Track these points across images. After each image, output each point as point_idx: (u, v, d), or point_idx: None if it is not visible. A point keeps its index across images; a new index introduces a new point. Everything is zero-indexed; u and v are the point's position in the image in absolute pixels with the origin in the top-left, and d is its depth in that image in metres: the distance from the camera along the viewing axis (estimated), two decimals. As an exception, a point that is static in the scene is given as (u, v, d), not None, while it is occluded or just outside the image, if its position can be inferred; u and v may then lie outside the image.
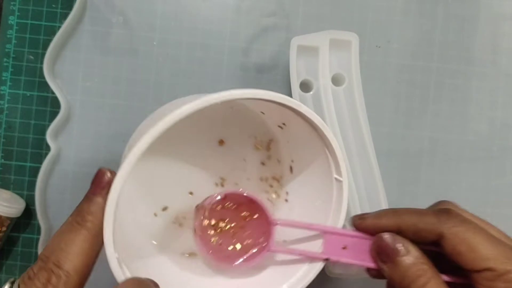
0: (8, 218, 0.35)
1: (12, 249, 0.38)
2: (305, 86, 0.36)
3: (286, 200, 0.33)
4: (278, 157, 0.33)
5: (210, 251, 0.28)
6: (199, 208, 0.28)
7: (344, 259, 0.26)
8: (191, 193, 0.32)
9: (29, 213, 0.38)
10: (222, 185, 0.33)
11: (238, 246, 0.28)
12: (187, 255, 0.31)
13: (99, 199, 0.22)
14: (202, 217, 0.28)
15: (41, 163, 0.36)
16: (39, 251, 0.35)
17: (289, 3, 0.37)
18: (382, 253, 0.24)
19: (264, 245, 0.28)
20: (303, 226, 0.27)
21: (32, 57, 0.38)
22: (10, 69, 0.37)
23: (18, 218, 0.37)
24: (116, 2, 0.37)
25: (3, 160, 0.38)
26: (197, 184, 0.33)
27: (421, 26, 0.38)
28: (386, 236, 0.24)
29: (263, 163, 0.33)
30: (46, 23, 0.38)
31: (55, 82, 0.37)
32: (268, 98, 0.24)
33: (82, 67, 0.37)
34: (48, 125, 0.36)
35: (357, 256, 0.26)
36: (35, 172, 0.37)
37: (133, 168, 0.22)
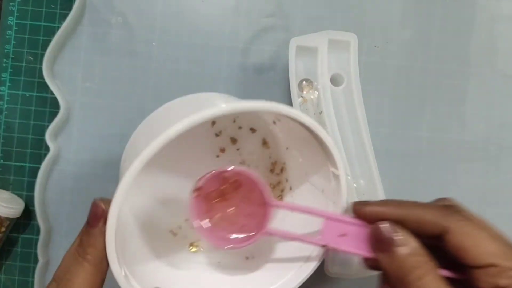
0: (7, 218, 0.35)
1: (12, 250, 0.38)
2: (304, 87, 0.36)
3: (291, 195, 0.32)
4: (276, 152, 0.33)
5: (206, 233, 0.26)
6: (196, 187, 0.26)
7: (342, 247, 0.24)
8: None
9: (28, 213, 0.38)
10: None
11: (235, 228, 0.26)
12: (192, 249, 0.31)
13: (96, 231, 0.23)
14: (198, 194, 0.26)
15: (40, 163, 0.36)
16: (39, 251, 0.35)
17: (288, 4, 0.38)
18: (379, 242, 0.23)
19: (260, 227, 0.26)
20: (302, 209, 0.26)
21: (31, 58, 0.38)
22: (9, 70, 0.37)
23: (18, 218, 0.37)
24: (115, 3, 0.37)
25: (2, 160, 0.38)
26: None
27: (418, 27, 0.38)
28: (386, 224, 0.23)
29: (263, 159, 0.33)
30: (45, 24, 0.38)
31: (55, 83, 0.37)
32: (265, 109, 0.23)
33: (81, 68, 0.37)
34: (47, 126, 0.36)
35: (355, 244, 0.24)
36: (34, 172, 0.37)
37: (125, 195, 0.22)
